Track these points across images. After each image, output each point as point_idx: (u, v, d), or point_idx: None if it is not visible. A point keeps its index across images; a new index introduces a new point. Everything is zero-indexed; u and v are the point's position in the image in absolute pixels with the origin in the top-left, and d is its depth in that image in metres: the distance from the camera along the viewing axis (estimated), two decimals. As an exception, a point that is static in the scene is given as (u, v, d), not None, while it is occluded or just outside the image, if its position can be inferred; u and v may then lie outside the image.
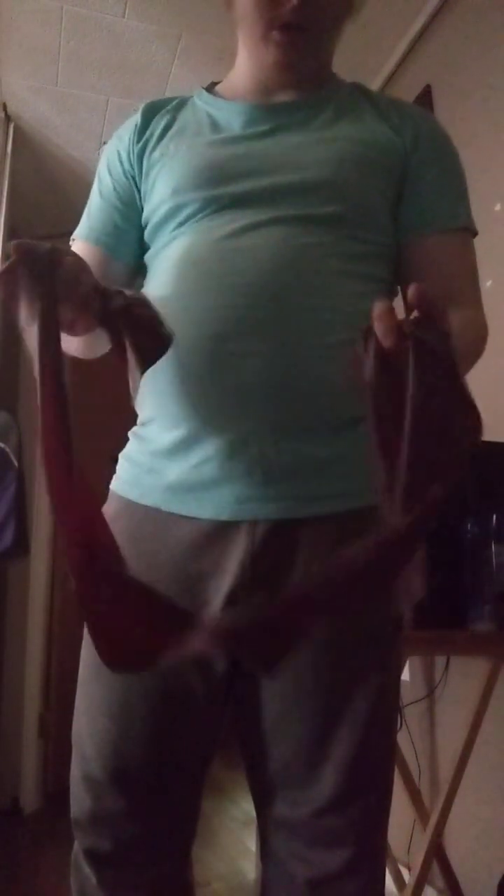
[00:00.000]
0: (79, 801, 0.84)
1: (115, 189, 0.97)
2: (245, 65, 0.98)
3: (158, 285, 0.88)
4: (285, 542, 0.81)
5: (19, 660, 2.82)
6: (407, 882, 1.62)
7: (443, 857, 1.47)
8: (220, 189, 0.87)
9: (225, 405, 0.81)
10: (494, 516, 1.39)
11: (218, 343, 0.80)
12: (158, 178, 0.91)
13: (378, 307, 0.70)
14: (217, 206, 0.87)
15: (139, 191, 0.95)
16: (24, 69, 2.26)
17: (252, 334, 0.80)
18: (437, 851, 1.43)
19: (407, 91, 2.11)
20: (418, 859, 1.43)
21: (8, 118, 2.43)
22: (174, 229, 0.89)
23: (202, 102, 0.98)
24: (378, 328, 0.69)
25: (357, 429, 0.82)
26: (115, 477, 0.93)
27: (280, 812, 0.85)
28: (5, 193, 2.37)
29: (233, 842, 2.40)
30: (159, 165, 0.92)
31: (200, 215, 0.87)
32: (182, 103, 0.98)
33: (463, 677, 1.68)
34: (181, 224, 0.89)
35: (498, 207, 1.68)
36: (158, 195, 0.91)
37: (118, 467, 0.93)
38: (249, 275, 0.82)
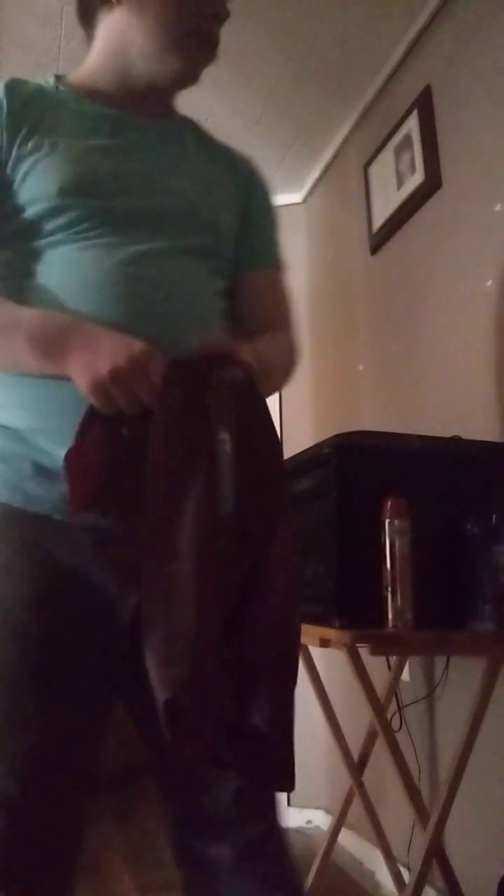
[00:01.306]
0: None
1: None
2: (118, 69, 0.96)
3: (57, 287, 0.87)
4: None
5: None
6: (407, 882, 1.62)
7: (443, 857, 1.47)
8: (108, 202, 0.89)
9: None
10: (494, 516, 1.39)
11: None
12: (35, 170, 0.89)
13: None
14: (104, 219, 0.88)
15: (7, 171, 0.90)
16: (24, 69, 2.26)
17: None
18: (437, 851, 1.43)
19: (407, 91, 2.11)
20: (418, 859, 1.43)
21: (8, 118, 2.43)
22: (49, 234, 0.88)
23: (68, 98, 0.95)
24: None
25: None
26: None
27: (196, 805, 0.89)
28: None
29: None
30: (34, 157, 0.89)
31: (87, 224, 0.88)
32: (42, 92, 0.95)
33: (463, 677, 1.68)
34: (67, 227, 0.88)
35: (498, 208, 1.68)
36: (38, 189, 0.88)
37: None
38: (155, 306, 0.86)
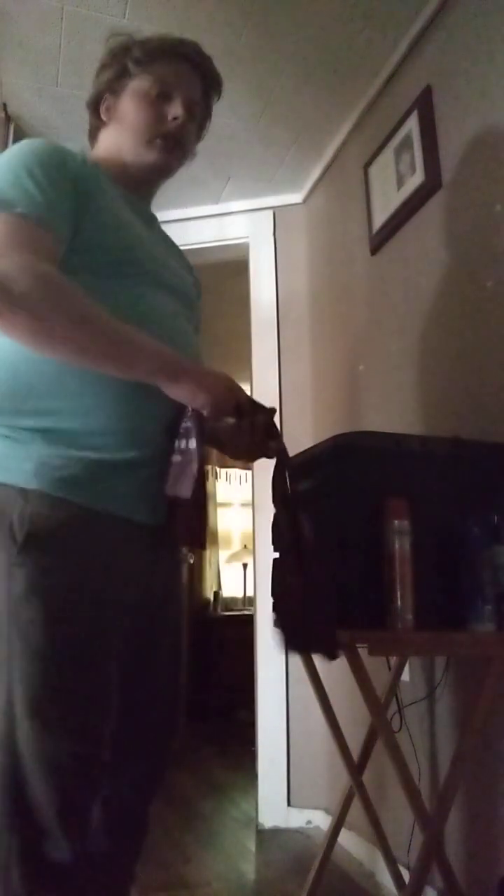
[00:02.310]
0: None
1: (69, 194, 1.07)
2: (118, 158, 1.24)
3: (136, 314, 1.08)
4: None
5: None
6: (407, 882, 1.62)
7: (443, 857, 1.47)
8: (151, 266, 1.17)
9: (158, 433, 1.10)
10: (494, 516, 1.39)
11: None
12: (106, 222, 1.11)
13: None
14: (147, 278, 1.15)
15: (77, 213, 1.08)
16: (25, 69, 2.26)
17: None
18: (437, 851, 1.43)
19: (407, 91, 2.11)
20: (418, 859, 1.43)
21: (8, 118, 2.43)
22: (131, 278, 1.12)
23: (98, 173, 1.16)
24: None
25: None
26: (36, 476, 1.01)
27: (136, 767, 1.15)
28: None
29: (233, 842, 2.40)
30: (104, 213, 1.11)
31: (146, 277, 1.15)
32: (86, 162, 1.16)
33: (463, 677, 1.68)
34: (137, 276, 1.13)
35: (498, 208, 1.68)
36: (110, 237, 1.11)
37: (42, 465, 1.01)
38: (180, 343, 1.13)
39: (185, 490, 1.03)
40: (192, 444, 1.05)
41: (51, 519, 0.97)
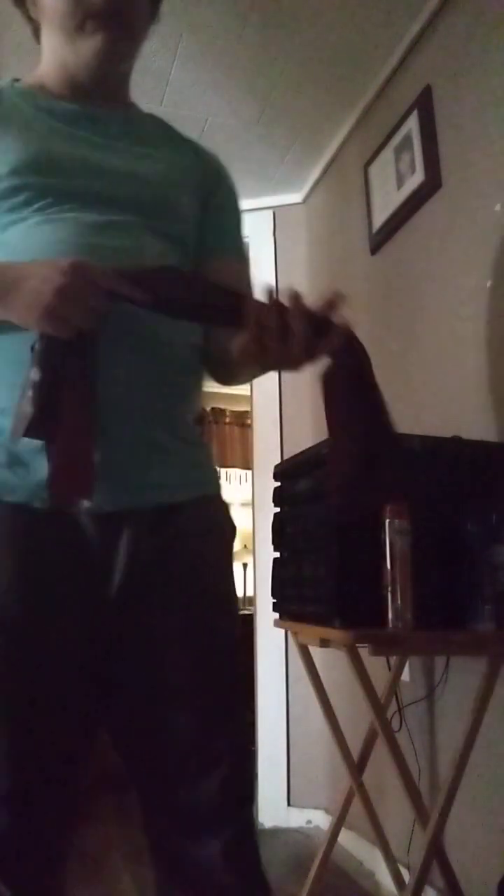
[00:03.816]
0: None
1: None
2: (54, 65, 1.01)
3: (12, 258, 0.86)
4: (164, 528, 0.89)
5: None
6: (407, 882, 1.62)
7: (443, 857, 1.47)
8: (65, 181, 0.90)
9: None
10: (494, 516, 1.39)
11: None
12: None
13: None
14: (61, 197, 0.90)
15: None
16: (24, 69, 2.26)
17: (115, 331, 0.83)
18: (437, 851, 1.43)
19: (407, 91, 2.11)
20: (418, 859, 1.43)
21: (8, 118, 2.43)
22: (7, 213, 0.89)
23: (18, 94, 1.00)
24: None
25: (192, 424, 0.97)
26: None
27: (179, 798, 0.88)
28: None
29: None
30: None
31: (43, 202, 0.89)
32: None
33: (463, 677, 1.68)
34: (16, 209, 0.89)
35: (498, 208, 1.68)
36: None
37: None
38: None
39: (16, 434, 0.77)
40: (31, 373, 0.77)
41: None
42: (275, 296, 0.79)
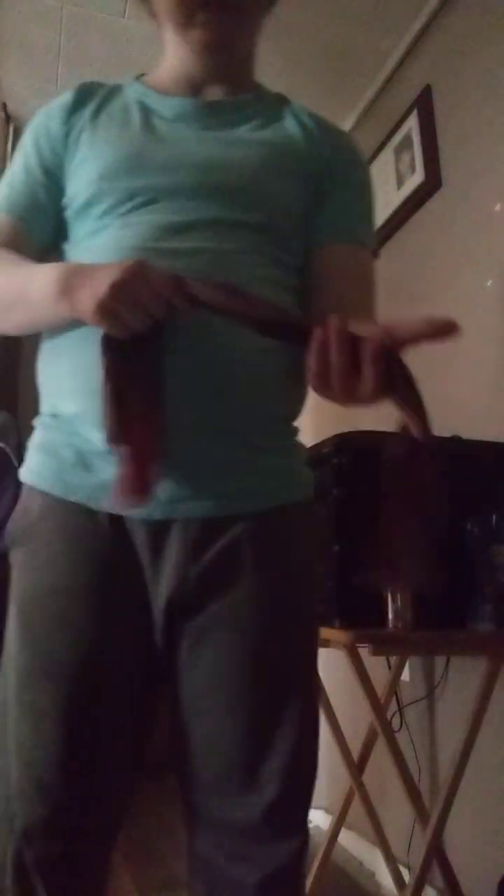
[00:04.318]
0: (27, 811, 0.79)
1: (41, 165, 0.95)
2: (172, 60, 0.99)
3: (94, 253, 0.87)
4: (216, 540, 0.84)
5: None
6: (407, 882, 1.62)
7: (443, 857, 1.47)
8: (144, 180, 0.88)
9: None
10: (494, 516, 1.39)
11: None
12: (85, 162, 0.91)
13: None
14: (142, 198, 0.87)
15: (64, 171, 0.94)
16: (24, 69, 2.26)
17: (181, 336, 0.81)
18: (437, 851, 1.43)
19: (407, 91, 2.11)
20: (418, 859, 1.43)
21: (8, 118, 2.43)
22: (97, 219, 0.89)
23: (133, 92, 0.98)
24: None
25: (277, 430, 0.92)
26: (26, 470, 0.90)
27: (221, 815, 0.84)
28: (5, 193, 2.37)
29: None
30: (87, 149, 0.92)
31: (124, 208, 0.88)
32: (116, 90, 0.98)
33: (463, 677, 1.68)
34: (105, 214, 0.89)
35: (498, 207, 1.68)
36: (84, 178, 0.90)
37: (30, 459, 0.90)
38: (190, 274, 0.80)
39: (105, 441, 0.78)
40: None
41: (29, 513, 0.89)
42: (345, 328, 0.72)
